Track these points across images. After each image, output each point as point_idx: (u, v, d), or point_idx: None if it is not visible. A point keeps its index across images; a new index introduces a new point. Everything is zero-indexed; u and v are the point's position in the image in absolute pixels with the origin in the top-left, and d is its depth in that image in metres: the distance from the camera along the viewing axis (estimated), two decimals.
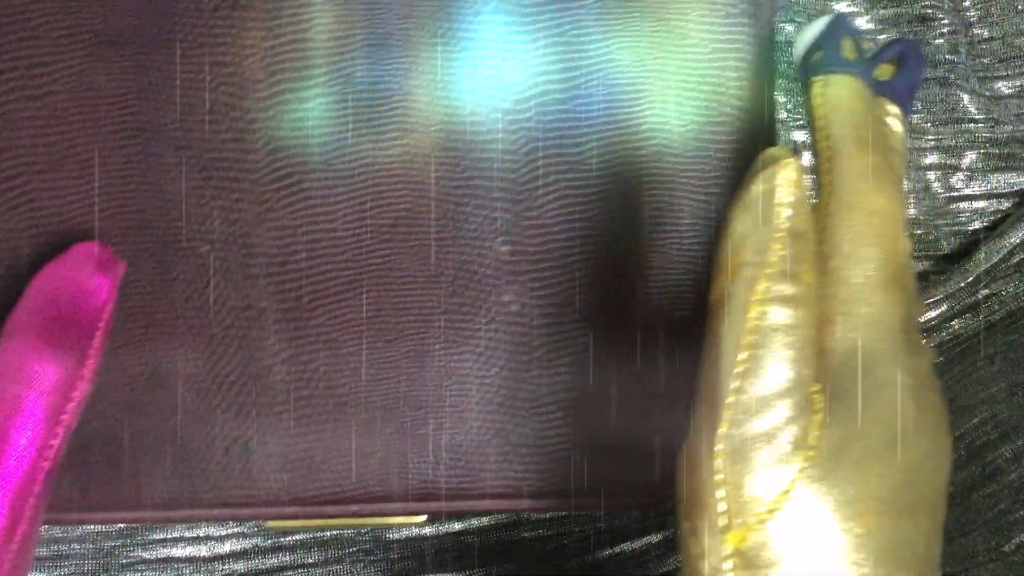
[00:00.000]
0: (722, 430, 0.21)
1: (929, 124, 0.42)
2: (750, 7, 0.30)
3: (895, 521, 0.21)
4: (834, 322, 0.23)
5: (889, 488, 0.21)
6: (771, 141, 0.31)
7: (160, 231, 0.30)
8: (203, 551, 0.38)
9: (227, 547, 0.38)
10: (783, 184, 0.23)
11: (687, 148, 0.30)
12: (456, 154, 0.30)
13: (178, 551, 0.38)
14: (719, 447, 0.21)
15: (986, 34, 0.42)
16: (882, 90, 0.28)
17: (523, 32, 0.30)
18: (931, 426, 0.23)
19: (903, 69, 0.29)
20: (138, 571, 0.38)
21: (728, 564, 0.21)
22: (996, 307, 0.41)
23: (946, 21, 0.41)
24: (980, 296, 0.41)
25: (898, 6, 0.41)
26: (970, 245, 0.42)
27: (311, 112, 0.30)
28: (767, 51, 0.30)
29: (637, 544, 0.39)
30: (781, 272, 0.22)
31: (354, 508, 0.31)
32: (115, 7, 0.29)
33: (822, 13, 0.42)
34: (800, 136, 0.40)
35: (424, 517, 0.32)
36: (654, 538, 0.39)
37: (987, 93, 0.42)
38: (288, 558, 0.38)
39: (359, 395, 0.31)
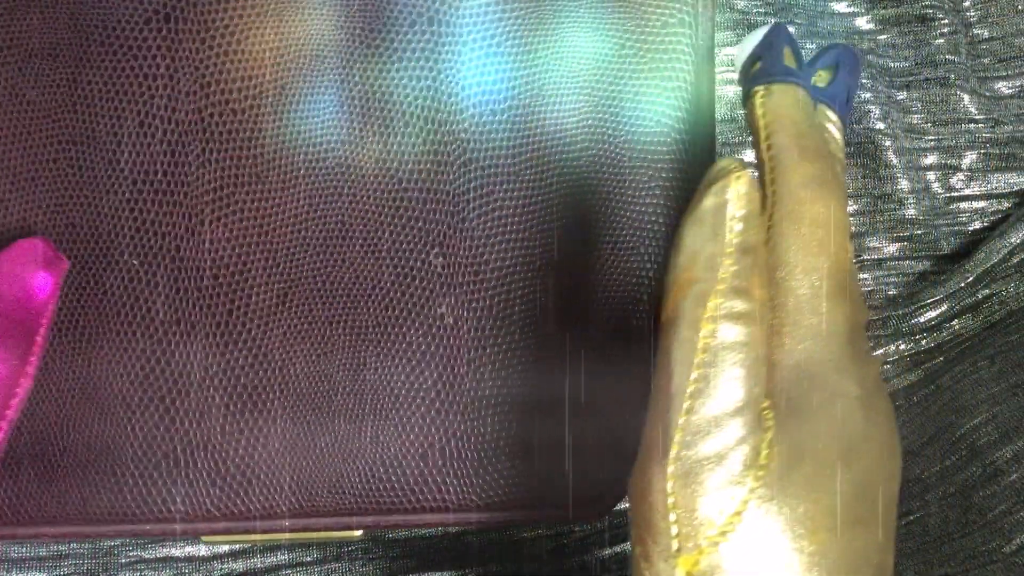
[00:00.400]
0: (673, 452, 0.21)
1: (929, 124, 0.42)
2: (688, 17, 0.30)
3: (848, 535, 0.21)
4: (782, 334, 0.23)
5: (841, 502, 0.21)
6: (711, 151, 0.30)
7: (90, 243, 0.30)
8: (202, 550, 0.38)
9: (226, 546, 0.38)
10: (734, 198, 0.22)
11: (625, 158, 0.30)
12: (390, 166, 0.30)
13: (177, 550, 0.38)
14: (671, 470, 0.21)
15: (986, 34, 0.42)
16: (820, 96, 0.28)
17: (457, 43, 0.29)
18: (881, 435, 0.23)
19: (839, 74, 0.28)
20: (138, 570, 0.38)
21: None
22: (996, 307, 0.41)
23: (946, 21, 0.41)
24: (980, 296, 0.41)
25: (898, 6, 0.41)
26: (970, 245, 0.42)
27: (244, 124, 0.29)
28: (707, 60, 0.30)
29: None
30: (732, 288, 0.22)
31: (286, 523, 0.31)
32: (48, 20, 0.29)
33: (821, 14, 0.42)
34: None
35: (360, 532, 0.32)
36: None
37: (987, 93, 0.42)
38: (286, 557, 0.38)
39: (291, 408, 0.30)
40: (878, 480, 0.22)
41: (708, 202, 0.22)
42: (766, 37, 0.28)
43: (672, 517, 0.20)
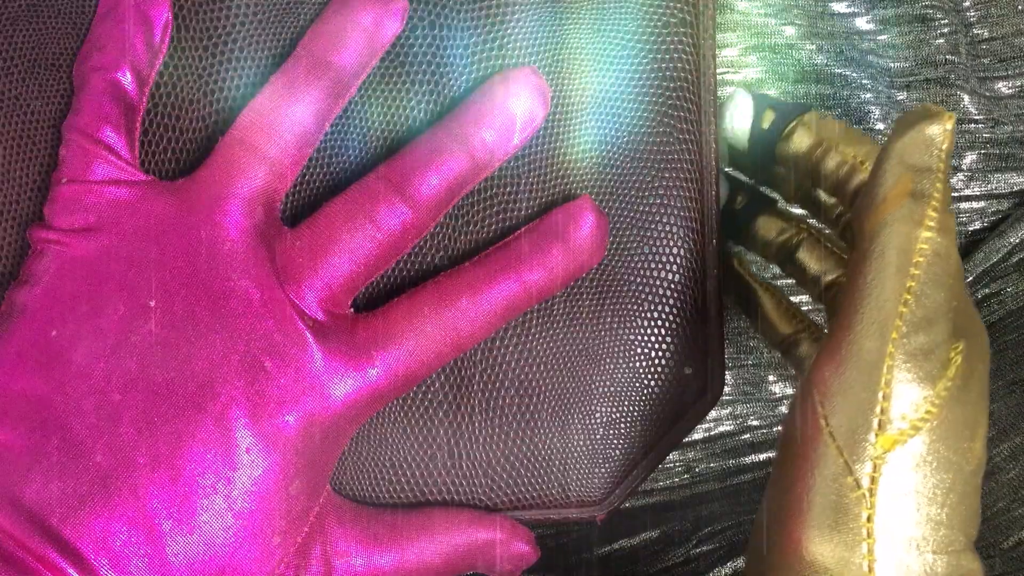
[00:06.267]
0: (895, 336, 0.22)
1: None
2: (690, 16, 0.30)
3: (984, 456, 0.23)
4: None
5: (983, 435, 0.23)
6: (714, 151, 0.30)
7: None
8: None
9: None
10: (944, 132, 0.24)
11: (627, 159, 0.30)
12: None
13: None
14: (890, 349, 0.22)
15: (986, 34, 0.42)
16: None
17: (459, 47, 0.29)
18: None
19: None
20: None
21: (867, 467, 0.22)
22: (996, 307, 0.41)
23: (946, 21, 0.41)
24: (980, 296, 0.41)
25: (898, 6, 0.41)
26: (970, 245, 0.42)
27: None
28: (708, 59, 0.30)
29: (634, 540, 0.39)
30: (943, 205, 0.23)
31: None
32: (51, 31, 0.28)
33: (821, 15, 0.42)
34: None
35: None
36: (652, 534, 0.39)
37: (987, 93, 0.42)
38: None
39: None
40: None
41: (927, 129, 0.24)
42: (760, 95, 0.31)
43: (880, 396, 0.22)
